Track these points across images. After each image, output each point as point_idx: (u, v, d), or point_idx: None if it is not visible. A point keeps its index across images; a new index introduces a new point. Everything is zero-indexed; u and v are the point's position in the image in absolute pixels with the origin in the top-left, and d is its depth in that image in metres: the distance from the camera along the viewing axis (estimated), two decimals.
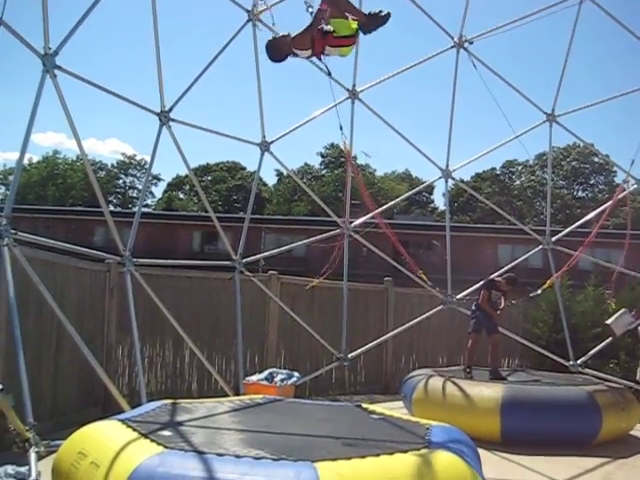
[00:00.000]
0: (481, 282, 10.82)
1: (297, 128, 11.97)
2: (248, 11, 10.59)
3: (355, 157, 12.98)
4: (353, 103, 12.13)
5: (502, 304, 10.51)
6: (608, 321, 11.26)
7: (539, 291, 13.08)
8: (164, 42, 10.09)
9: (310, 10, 5.86)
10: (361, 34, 5.81)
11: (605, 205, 13.65)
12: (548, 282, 12.81)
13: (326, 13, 5.56)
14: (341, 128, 10.62)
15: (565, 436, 8.41)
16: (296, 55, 5.82)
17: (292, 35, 5.73)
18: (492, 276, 11.24)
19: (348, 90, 12.07)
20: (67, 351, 8.43)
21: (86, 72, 8.76)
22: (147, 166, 49.13)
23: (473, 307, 10.45)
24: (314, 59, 5.92)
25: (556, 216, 48.82)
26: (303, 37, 5.67)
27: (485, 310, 10.22)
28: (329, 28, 5.53)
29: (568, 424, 8.49)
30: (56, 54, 7.96)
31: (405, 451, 4.45)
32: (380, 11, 5.81)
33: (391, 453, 4.37)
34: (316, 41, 5.63)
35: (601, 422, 8.63)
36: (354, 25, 5.62)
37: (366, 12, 5.84)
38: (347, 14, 5.70)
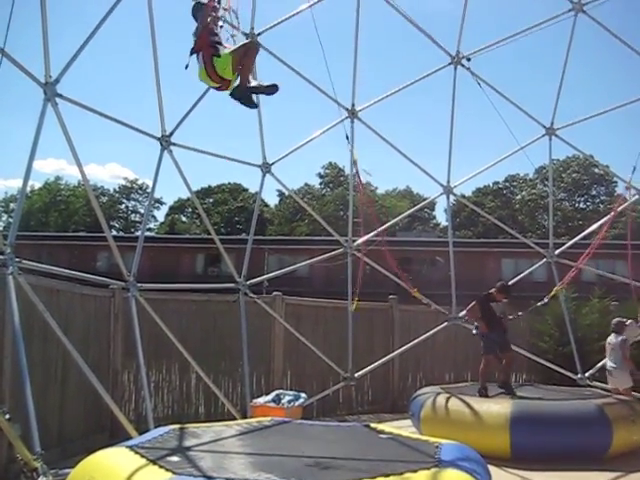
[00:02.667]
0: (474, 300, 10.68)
1: (297, 149, 12.03)
2: (246, 34, 10.68)
3: (355, 175, 12.96)
4: (353, 122, 12.19)
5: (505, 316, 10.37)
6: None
7: (545, 299, 13.03)
8: (164, 65, 10.18)
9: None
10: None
11: (606, 218, 13.63)
12: (554, 291, 12.79)
13: (211, 12, 6.12)
14: (347, 137, 10.70)
15: (576, 451, 8.32)
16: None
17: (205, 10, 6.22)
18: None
19: (347, 110, 12.13)
20: (73, 377, 8.41)
21: (85, 96, 8.85)
22: (149, 190, 49.43)
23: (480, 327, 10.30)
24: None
25: (558, 229, 48.78)
26: (202, 21, 6.19)
27: (478, 322, 10.17)
28: (223, 52, 6.09)
29: (578, 438, 8.43)
30: (57, 82, 8.04)
31: (415, 470, 4.42)
32: (268, 86, 6.31)
33: (401, 473, 4.34)
34: (200, 37, 6.13)
35: (612, 435, 8.55)
36: (228, 75, 6.11)
37: (257, 84, 6.37)
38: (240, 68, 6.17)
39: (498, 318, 10.20)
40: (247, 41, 6.34)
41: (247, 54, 6.21)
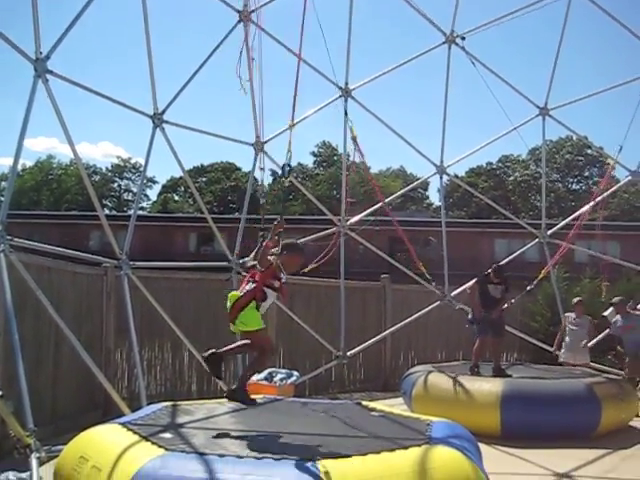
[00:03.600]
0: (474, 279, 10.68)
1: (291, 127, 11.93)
2: (239, 11, 10.58)
3: (348, 155, 12.89)
4: (346, 101, 12.13)
5: (503, 300, 10.28)
6: (605, 313, 11.29)
7: (534, 284, 13.09)
8: (156, 44, 10.10)
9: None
10: None
11: (598, 199, 13.65)
12: (542, 273, 12.84)
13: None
14: (346, 113, 10.59)
15: (565, 429, 8.41)
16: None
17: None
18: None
19: (340, 88, 12.06)
20: (66, 356, 8.42)
21: (77, 76, 8.77)
22: (142, 169, 49.20)
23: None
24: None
25: (550, 210, 48.84)
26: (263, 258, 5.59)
27: (474, 304, 10.18)
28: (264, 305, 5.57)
29: (568, 417, 8.51)
30: (47, 58, 7.96)
31: (406, 447, 4.44)
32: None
33: (392, 450, 4.36)
34: (263, 275, 5.52)
35: (600, 414, 8.65)
36: (243, 327, 5.57)
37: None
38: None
39: (495, 300, 10.08)
40: (268, 345, 5.89)
41: (260, 355, 5.81)
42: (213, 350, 5.59)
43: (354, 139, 11.87)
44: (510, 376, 9.66)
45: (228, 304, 5.60)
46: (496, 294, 10.11)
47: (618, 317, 10.82)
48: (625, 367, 10.56)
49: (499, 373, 9.73)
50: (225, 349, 5.75)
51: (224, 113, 79.71)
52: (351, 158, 12.43)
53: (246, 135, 15.68)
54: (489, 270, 10.35)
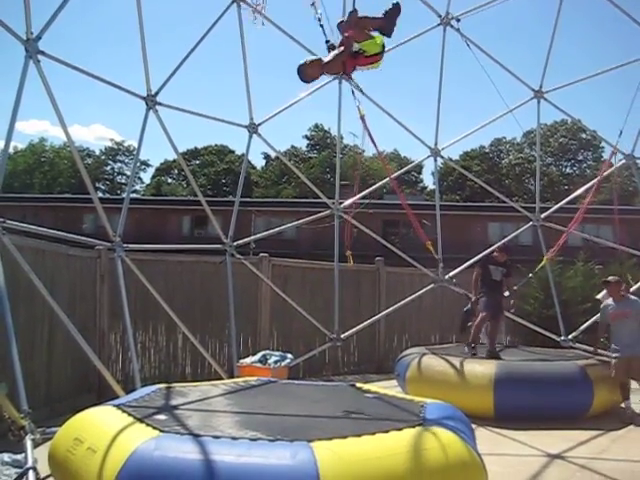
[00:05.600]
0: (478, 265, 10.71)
1: (285, 109, 11.89)
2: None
3: (342, 137, 12.85)
4: (340, 83, 12.04)
5: (503, 285, 10.33)
6: (598, 296, 11.31)
7: (536, 270, 13.13)
8: (149, 26, 9.99)
9: (321, 23, 6.29)
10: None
11: (593, 182, 13.64)
12: (544, 260, 12.81)
13: (352, 39, 5.89)
14: (353, 92, 10.62)
15: (558, 410, 8.48)
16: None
17: (324, 61, 5.99)
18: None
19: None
20: (60, 338, 8.41)
21: (69, 58, 8.65)
22: (135, 152, 48.97)
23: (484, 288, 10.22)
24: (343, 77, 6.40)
25: (544, 193, 48.88)
26: (335, 63, 5.97)
27: (475, 290, 10.20)
28: (360, 49, 5.93)
29: (560, 398, 8.56)
30: (39, 39, 7.85)
31: (400, 429, 4.46)
32: (391, 6, 6.06)
33: (386, 431, 4.38)
34: (347, 63, 5.98)
35: (593, 395, 8.72)
36: (379, 40, 5.98)
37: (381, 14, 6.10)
38: (368, 30, 6.01)
39: (494, 283, 10.12)
40: (348, 21, 6.04)
41: (358, 24, 5.92)
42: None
43: (362, 118, 11.73)
44: (502, 358, 9.71)
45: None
46: (497, 276, 10.14)
47: (609, 301, 9.50)
48: (612, 368, 9.09)
49: (493, 355, 9.77)
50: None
51: (217, 95, 79.30)
52: (359, 138, 12.27)
53: (239, 117, 15.56)
54: (494, 253, 10.42)
